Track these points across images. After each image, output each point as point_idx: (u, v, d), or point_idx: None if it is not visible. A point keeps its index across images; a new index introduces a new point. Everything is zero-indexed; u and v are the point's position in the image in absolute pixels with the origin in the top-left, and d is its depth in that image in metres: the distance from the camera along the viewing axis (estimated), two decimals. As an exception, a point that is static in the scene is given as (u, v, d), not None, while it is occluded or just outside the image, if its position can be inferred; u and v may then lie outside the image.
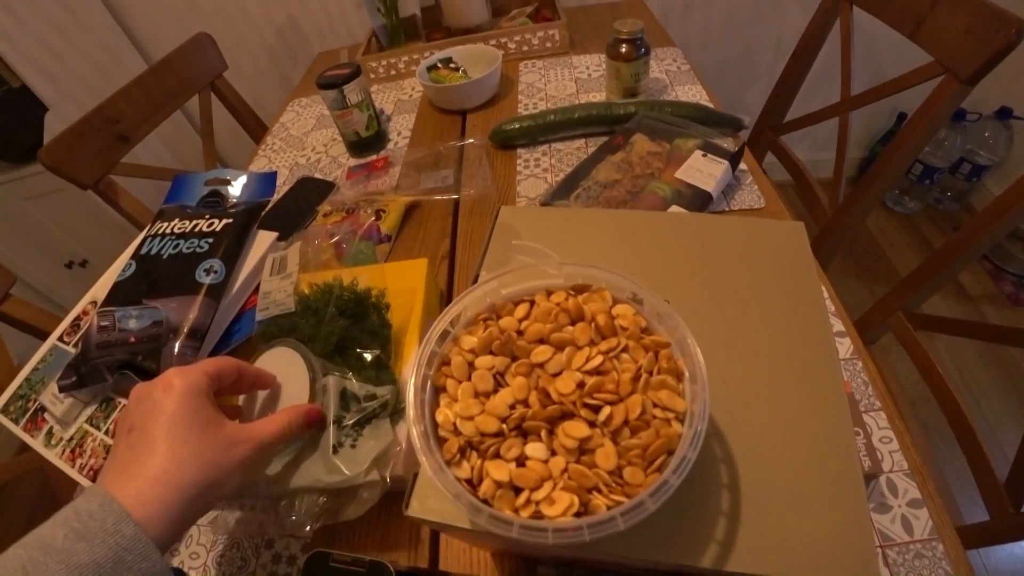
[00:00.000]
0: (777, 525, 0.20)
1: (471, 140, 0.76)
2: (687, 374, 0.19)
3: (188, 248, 0.53)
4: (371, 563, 0.29)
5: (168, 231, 0.56)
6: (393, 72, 1.03)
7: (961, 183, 1.66)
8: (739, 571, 0.19)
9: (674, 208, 0.55)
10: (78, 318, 0.63)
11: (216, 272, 0.51)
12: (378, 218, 0.64)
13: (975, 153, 1.58)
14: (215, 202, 0.58)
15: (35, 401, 0.57)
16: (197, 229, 0.55)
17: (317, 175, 0.83)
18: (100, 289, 0.65)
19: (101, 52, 1.47)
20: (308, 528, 0.43)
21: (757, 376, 0.24)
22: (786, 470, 0.21)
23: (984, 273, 1.54)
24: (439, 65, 0.89)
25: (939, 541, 0.38)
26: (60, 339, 0.61)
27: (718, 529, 0.20)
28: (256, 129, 1.24)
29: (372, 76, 1.04)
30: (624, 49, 0.72)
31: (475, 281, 0.29)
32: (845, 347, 0.49)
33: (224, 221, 0.54)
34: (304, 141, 0.94)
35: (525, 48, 0.98)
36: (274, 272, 0.51)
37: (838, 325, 0.51)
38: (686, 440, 0.16)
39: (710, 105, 0.75)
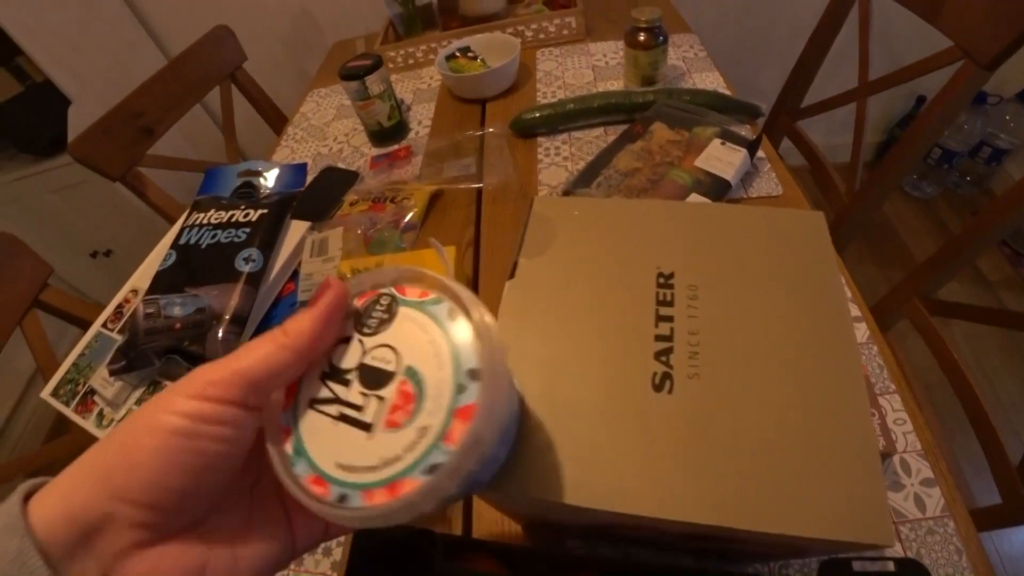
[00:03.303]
0: (796, 490, 0.22)
1: (491, 129, 0.77)
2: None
3: (226, 238, 0.55)
4: (417, 531, 0.31)
5: (205, 222, 0.58)
6: (411, 61, 1.04)
7: (981, 167, 1.64)
8: (760, 530, 0.21)
9: (693, 196, 0.56)
10: (120, 306, 0.66)
11: (255, 260, 0.53)
12: (403, 205, 0.66)
13: (996, 136, 1.56)
14: (248, 193, 0.61)
15: (84, 384, 0.60)
16: (234, 219, 0.57)
17: (340, 165, 0.85)
18: (139, 278, 0.68)
19: (120, 45, 1.50)
20: None
21: (778, 355, 0.26)
22: (804, 439, 0.23)
23: (1003, 259, 1.52)
24: (457, 54, 0.90)
25: (951, 518, 0.40)
26: (104, 326, 0.65)
27: (742, 491, 0.22)
28: (276, 119, 1.26)
29: (390, 66, 1.05)
30: (642, 37, 0.72)
31: (513, 269, 0.31)
32: (861, 332, 0.50)
33: (259, 211, 0.57)
34: (325, 131, 0.96)
35: (542, 36, 0.98)
36: (314, 254, 0.54)
37: (854, 310, 0.52)
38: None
39: (727, 92, 0.76)
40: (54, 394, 0.62)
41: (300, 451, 0.21)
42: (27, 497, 0.18)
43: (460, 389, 0.19)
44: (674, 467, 0.23)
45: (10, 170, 1.52)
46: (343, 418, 0.20)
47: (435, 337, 0.20)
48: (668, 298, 0.28)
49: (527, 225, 0.32)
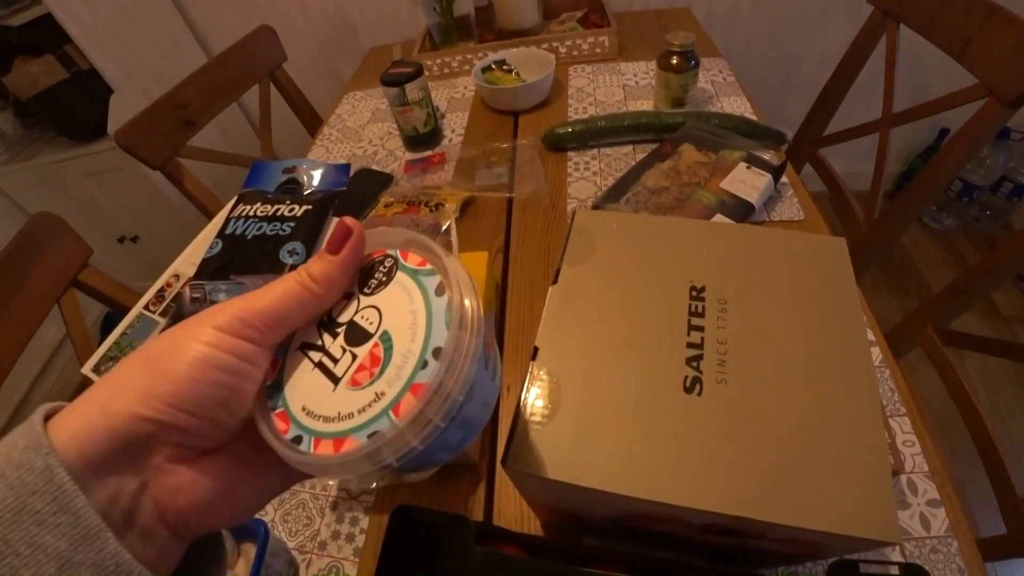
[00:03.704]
0: (812, 489, 0.24)
1: (524, 141, 0.80)
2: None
3: (272, 230, 0.58)
4: (452, 516, 0.33)
5: (251, 213, 0.61)
6: (447, 71, 1.08)
7: (1001, 202, 1.64)
8: (779, 522, 0.23)
9: (718, 216, 0.59)
10: (162, 289, 0.69)
11: (298, 254, 0.56)
12: (436, 210, 0.69)
13: (1017, 172, 1.57)
14: (292, 189, 0.64)
15: (125, 361, 0.63)
16: (279, 213, 0.60)
17: (374, 167, 0.88)
18: (181, 264, 0.71)
19: (163, 37, 1.55)
20: (375, 485, 0.48)
21: (799, 366, 0.28)
22: (821, 444, 0.25)
23: (1019, 293, 1.52)
24: (493, 67, 0.93)
25: (954, 538, 0.41)
26: (146, 308, 0.68)
27: (764, 487, 0.24)
28: (310, 119, 1.30)
29: (426, 73, 1.09)
30: (675, 61, 0.75)
31: (556, 275, 0.33)
32: (874, 356, 0.52)
33: (304, 207, 0.60)
34: (360, 133, 0.99)
35: (575, 53, 1.02)
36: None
37: (868, 334, 0.54)
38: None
39: (754, 118, 0.78)
40: (95, 370, 0.66)
41: (279, 386, 0.22)
42: (47, 418, 0.18)
43: (423, 364, 0.19)
44: (702, 462, 0.25)
45: (48, 152, 1.57)
46: (320, 366, 0.21)
47: (418, 308, 0.21)
48: (700, 310, 0.31)
49: (569, 235, 0.35)
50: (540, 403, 0.28)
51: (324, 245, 0.22)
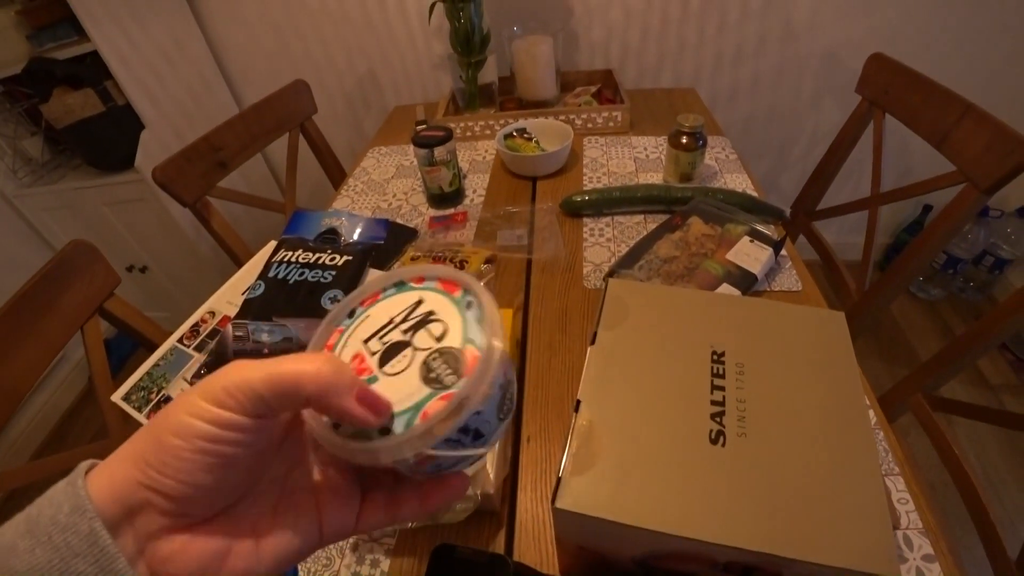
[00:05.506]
0: (821, 528, 0.28)
1: (543, 205, 0.86)
2: None
3: (313, 277, 0.63)
4: (492, 555, 0.36)
5: (293, 259, 0.66)
6: (469, 134, 1.16)
7: (984, 274, 1.73)
8: (792, 557, 0.27)
9: (724, 286, 0.64)
10: (196, 325, 0.73)
11: (339, 301, 0.61)
12: (461, 267, 0.74)
13: (998, 247, 1.66)
14: (332, 239, 0.69)
15: (157, 392, 0.66)
16: (320, 262, 0.65)
17: (399, 220, 0.93)
18: (216, 302, 0.75)
19: (197, 81, 1.64)
20: (410, 525, 0.51)
21: (808, 422, 0.33)
22: (828, 489, 0.30)
23: (1006, 364, 1.58)
24: (515, 134, 1.01)
25: (949, 591, 0.44)
26: (180, 341, 0.71)
27: (779, 526, 0.28)
28: (334, 169, 1.37)
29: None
30: (685, 140, 0.83)
31: (594, 338, 0.38)
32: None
33: (344, 257, 0.65)
34: (385, 187, 1.05)
35: (590, 125, 1.10)
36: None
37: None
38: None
39: (755, 194, 0.86)
40: (126, 399, 0.68)
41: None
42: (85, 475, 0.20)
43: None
44: (728, 504, 0.29)
45: (73, 179, 1.63)
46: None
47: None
48: (720, 372, 0.35)
49: (604, 302, 0.40)
50: (583, 451, 0.32)
51: (358, 392, 0.21)
